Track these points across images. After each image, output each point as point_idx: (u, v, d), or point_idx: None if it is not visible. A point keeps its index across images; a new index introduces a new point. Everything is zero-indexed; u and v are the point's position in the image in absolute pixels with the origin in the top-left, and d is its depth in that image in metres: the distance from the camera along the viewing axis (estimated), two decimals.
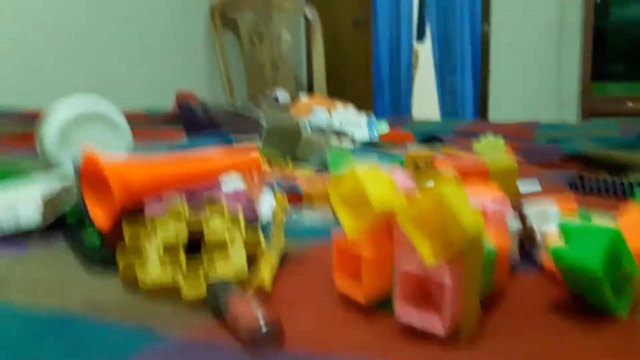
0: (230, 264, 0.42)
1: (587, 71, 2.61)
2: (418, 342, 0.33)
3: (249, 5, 2.92)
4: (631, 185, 0.68)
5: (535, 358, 0.31)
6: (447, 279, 0.32)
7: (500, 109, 3.16)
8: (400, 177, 0.47)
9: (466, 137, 1.43)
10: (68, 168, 0.66)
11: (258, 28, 2.94)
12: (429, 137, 1.41)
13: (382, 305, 0.37)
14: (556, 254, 0.36)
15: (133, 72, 2.47)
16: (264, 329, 0.31)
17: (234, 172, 0.56)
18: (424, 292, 0.34)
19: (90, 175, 0.48)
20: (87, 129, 0.70)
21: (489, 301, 0.38)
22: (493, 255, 0.38)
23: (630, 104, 2.44)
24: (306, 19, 3.01)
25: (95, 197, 0.49)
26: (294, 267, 0.45)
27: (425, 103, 3.47)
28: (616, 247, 0.36)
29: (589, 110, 2.58)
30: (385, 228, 0.37)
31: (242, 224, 0.45)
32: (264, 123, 0.71)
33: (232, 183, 0.54)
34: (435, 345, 0.32)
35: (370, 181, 0.36)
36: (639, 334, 0.34)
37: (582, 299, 0.38)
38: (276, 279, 0.42)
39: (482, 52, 3.15)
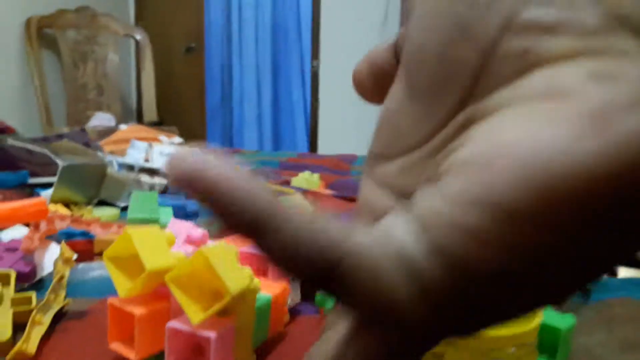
0: None
1: None
2: None
3: (71, 22, 2.73)
4: None
5: None
6: (212, 334, 0.33)
7: (329, 143, 3.34)
8: (189, 227, 0.47)
9: (290, 170, 1.50)
10: None
11: (81, 47, 2.77)
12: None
13: None
14: (320, 300, 0.40)
15: None
16: None
17: (14, 221, 0.52)
18: (195, 349, 0.35)
19: None
20: None
21: (267, 346, 0.41)
22: (267, 303, 0.40)
23: None
24: (136, 41, 2.91)
25: None
26: (70, 325, 0.42)
27: (260, 135, 3.54)
28: None
29: None
30: (160, 287, 0.37)
31: (13, 280, 0.42)
32: (59, 161, 0.67)
33: (11, 233, 0.50)
34: None
35: (144, 241, 0.37)
36: None
37: None
38: (48, 340, 0.40)
39: (312, 87, 3.33)
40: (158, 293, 0.39)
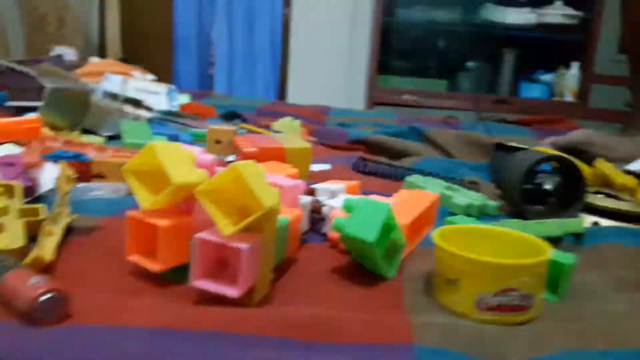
0: (4, 235, 0.37)
1: (374, 65, 2.88)
2: (213, 305, 0.33)
3: None
4: (405, 170, 0.78)
5: (319, 314, 0.34)
6: (243, 245, 0.33)
7: (297, 93, 3.31)
8: (199, 152, 0.47)
9: (266, 116, 1.47)
10: None
11: None
12: (231, 113, 1.41)
13: (176, 274, 0.37)
14: (338, 225, 0.40)
15: None
16: (43, 298, 0.29)
17: (9, 136, 0.50)
18: (221, 260, 0.35)
19: None
20: None
21: (281, 267, 0.41)
22: (285, 226, 0.40)
23: (406, 96, 2.78)
24: None
25: None
26: (81, 240, 0.42)
27: (230, 79, 3.45)
28: (388, 221, 0.41)
29: (374, 99, 2.85)
30: (182, 200, 0.37)
31: (19, 192, 0.40)
32: (46, 84, 0.64)
33: (5, 150, 0.48)
34: (229, 308, 0.33)
35: (168, 155, 0.36)
36: (402, 290, 0.39)
37: (359, 264, 0.43)
38: (62, 252, 0.39)
39: (283, 37, 3.25)
40: (177, 208, 0.38)
